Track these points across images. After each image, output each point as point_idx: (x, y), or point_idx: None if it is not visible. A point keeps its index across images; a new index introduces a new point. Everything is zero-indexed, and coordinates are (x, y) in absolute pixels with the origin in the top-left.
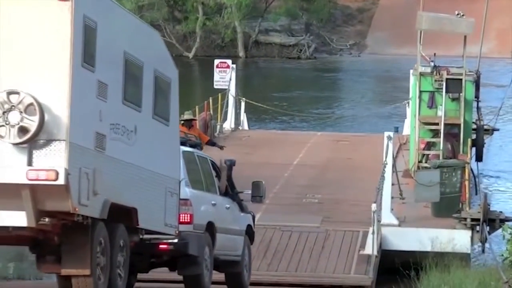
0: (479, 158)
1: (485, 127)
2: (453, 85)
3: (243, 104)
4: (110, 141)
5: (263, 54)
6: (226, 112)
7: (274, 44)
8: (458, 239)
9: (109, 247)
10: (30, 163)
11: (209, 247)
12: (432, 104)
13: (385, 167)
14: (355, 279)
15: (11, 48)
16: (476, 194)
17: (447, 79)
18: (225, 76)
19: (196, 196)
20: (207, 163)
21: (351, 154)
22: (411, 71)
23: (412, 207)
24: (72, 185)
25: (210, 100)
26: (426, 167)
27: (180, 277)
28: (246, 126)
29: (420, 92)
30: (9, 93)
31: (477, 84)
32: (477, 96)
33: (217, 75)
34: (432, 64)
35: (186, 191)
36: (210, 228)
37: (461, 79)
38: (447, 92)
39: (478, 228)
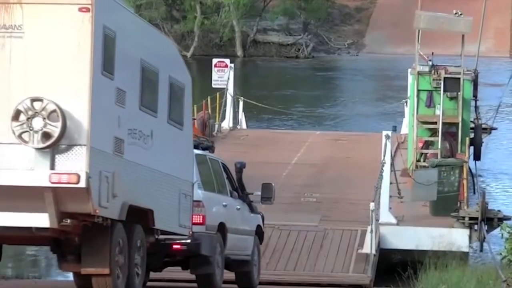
0: (477, 157)
1: (483, 126)
2: (451, 84)
3: (241, 103)
4: (128, 145)
5: (261, 53)
6: (224, 112)
7: (272, 43)
8: (456, 238)
9: (127, 247)
10: (52, 167)
11: (221, 247)
12: (430, 103)
13: (383, 166)
14: (354, 278)
15: (35, 57)
16: (474, 193)
17: (445, 78)
18: (223, 75)
19: (208, 198)
20: (218, 166)
21: (349, 153)
22: (409, 70)
23: (410, 206)
24: (93, 188)
25: (208, 99)
26: (424, 166)
27: (193, 276)
28: (244, 125)
29: (418, 91)
30: (33, 100)
31: (475, 83)
32: (475, 95)
33: (215, 75)
34: (430, 63)
35: (199, 193)
36: (222, 228)
37: (459, 78)
38: (445, 91)
39: (476, 227)
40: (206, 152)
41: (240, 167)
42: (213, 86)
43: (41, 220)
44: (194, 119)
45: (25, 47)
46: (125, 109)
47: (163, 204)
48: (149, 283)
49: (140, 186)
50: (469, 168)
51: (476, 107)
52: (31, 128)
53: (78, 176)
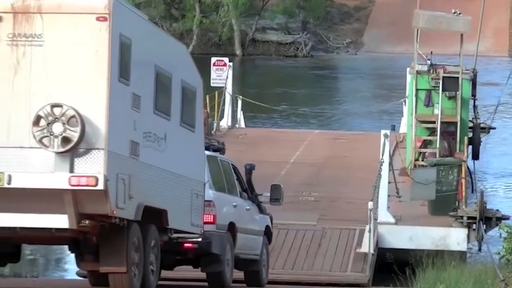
0: (475, 156)
1: (482, 125)
2: (450, 83)
3: (240, 102)
4: (143, 148)
5: (260, 52)
6: (223, 110)
7: (271, 42)
8: (455, 237)
9: (142, 246)
10: (72, 170)
11: (231, 246)
12: (428, 102)
13: (381, 165)
14: (352, 277)
15: (55, 64)
16: (473, 192)
17: (443, 77)
18: (222, 74)
19: (219, 198)
20: (229, 167)
21: (348, 152)
22: (408, 69)
23: (408, 205)
24: (110, 190)
25: (207, 98)
26: (422, 165)
27: (203, 274)
28: (243, 124)
29: (417, 90)
30: (53, 106)
31: (473, 82)
32: (473, 95)
33: (214, 73)
34: (429, 62)
35: (210, 193)
36: (232, 228)
37: (457, 77)
38: (443, 90)
39: (474, 226)
40: (217, 154)
41: (250, 169)
42: (212, 84)
43: (60, 221)
44: None
45: (45, 55)
46: (140, 113)
47: (176, 204)
48: (160, 282)
49: (154, 187)
50: (468, 168)
51: (474, 106)
52: (51, 133)
53: (96, 179)
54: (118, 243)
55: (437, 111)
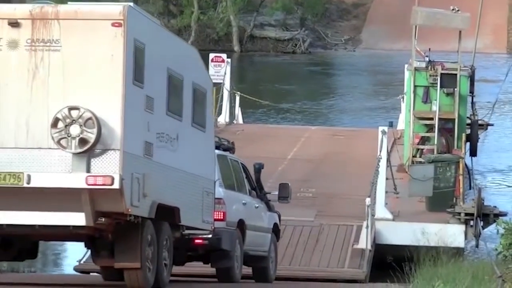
0: (473, 153)
1: (480, 122)
2: (448, 80)
3: (237, 98)
4: (156, 148)
5: (258, 48)
6: (220, 106)
7: (269, 39)
8: (452, 233)
9: (156, 243)
10: (88, 170)
11: (240, 242)
12: (426, 99)
13: (379, 161)
14: (349, 273)
15: (72, 69)
16: (470, 188)
17: (441, 74)
18: (220, 70)
19: (229, 196)
20: (238, 166)
21: (346, 149)
22: (406, 66)
23: (406, 202)
24: (126, 189)
25: None
26: (420, 162)
27: (213, 270)
28: (240, 120)
29: (415, 87)
30: (70, 108)
31: (471, 79)
32: (471, 91)
33: (212, 69)
34: (427, 59)
35: (220, 191)
36: (241, 225)
37: (455, 74)
38: (441, 87)
39: (472, 222)
40: (227, 153)
41: (259, 168)
42: None
43: (78, 219)
44: None
45: (63, 60)
46: (154, 115)
47: (188, 201)
48: (172, 278)
49: (167, 185)
50: (465, 164)
51: (472, 103)
52: (69, 135)
53: (112, 178)
54: (133, 240)
55: (435, 107)
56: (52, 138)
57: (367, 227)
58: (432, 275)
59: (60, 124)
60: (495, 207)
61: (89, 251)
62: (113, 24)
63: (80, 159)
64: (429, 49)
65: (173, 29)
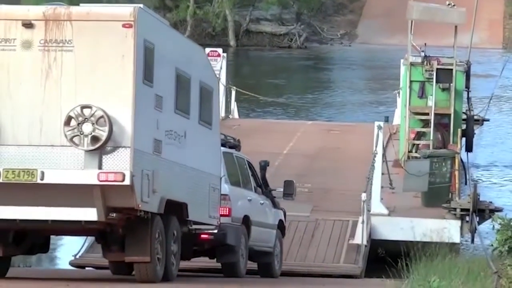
0: (469, 148)
1: (475, 117)
2: (444, 75)
3: (233, 93)
4: (165, 145)
5: (254, 43)
6: None
7: (265, 33)
8: (448, 229)
9: (165, 237)
10: (100, 167)
11: (245, 238)
12: (422, 94)
13: (375, 156)
14: (345, 268)
15: (84, 68)
16: (466, 184)
17: (437, 69)
18: (215, 64)
19: (234, 192)
20: (244, 163)
21: (342, 144)
22: (402, 61)
23: (402, 197)
24: (136, 185)
25: None
26: (416, 157)
27: (217, 265)
28: (236, 115)
29: (411, 82)
30: (83, 107)
31: (467, 74)
32: (467, 86)
33: None
34: (423, 54)
35: (226, 188)
36: (246, 221)
37: (451, 69)
38: (437, 82)
39: (467, 218)
40: (232, 150)
41: (264, 165)
42: None
43: (90, 214)
44: None
45: (75, 60)
46: (162, 113)
47: (196, 197)
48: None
49: (175, 182)
50: (461, 159)
51: (468, 98)
52: (81, 132)
53: (123, 175)
54: (143, 234)
55: (430, 102)
56: (65, 135)
57: (362, 222)
58: (428, 270)
59: (73, 122)
60: (491, 202)
61: (85, 246)
62: (124, 25)
63: (92, 156)
64: (425, 44)
65: (169, 23)
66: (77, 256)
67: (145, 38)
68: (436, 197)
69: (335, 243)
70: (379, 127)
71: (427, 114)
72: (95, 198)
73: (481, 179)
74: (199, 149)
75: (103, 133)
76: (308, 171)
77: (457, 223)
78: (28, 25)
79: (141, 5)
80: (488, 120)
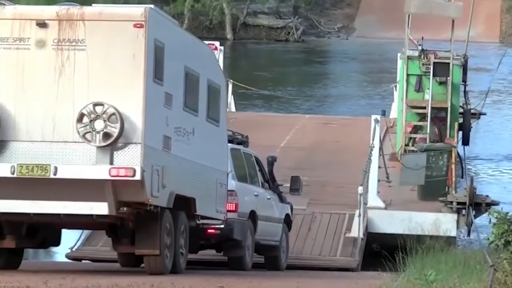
0: (465, 141)
1: (472, 111)
2: (441, 69)
3: (230, 86)
4: (174, 142)
5: (251, 36)
6: None
7: (262, 27)
8: (444, 222)
9: (174, 231)
10: (112, 162)
11: (251, 232)
12: (419, 88)
13: (372, 150)
14: (341, 262)
15: (96, 67)
16: (462, 177)
17: (434, 63)
18: None
19: (241, 188)
20: (251, 159)
21: (339, 137)
22: (399, 54)
23: (398, 190)
24: (146, 180)
25: None
26: (412, 151)
27: (223, 257)
28: (233, 108)
29: (408, 75)
30: (95, 104)
31: (464, 68)
32: (464, 80)
33: None
34: (420, 47)
35: (232, 183)
36: (253, 216)
37: (448, 63)
38: (434, 76)
39: (464, 211)
40: (240, 147)
41: (272, 161)
42: None
43: (101, 208)
44: None
45: (87, 59)
46: (172, 111)
47: (203, 192)
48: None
49: (184, 177)
50: (458, 153)
51: (465, 92)
52: (93, 129)
53: (134, 170)
54: (152, 228)
55: (427, 96)
56: (78, 132)
57: (359, 215)
58: (424, 264)
59: (85, 119)
60: (487, 196)
61: (81, 238)
62: (135, 25)
63: (104, 152)
64: (422, 37)
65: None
66: (74, 249)
67: (156, 37)
68: (432, 191)
69: (331, 236)
70: (376, 121)
71: (424, 107)
72: (107, 193)
73: (477, 173)
74: (206, 145)
75: (114, 130)
76: (305, 164)
77: (454, 216)
78: (42, 24)
79: (152, 6)
80: (485, 114)
